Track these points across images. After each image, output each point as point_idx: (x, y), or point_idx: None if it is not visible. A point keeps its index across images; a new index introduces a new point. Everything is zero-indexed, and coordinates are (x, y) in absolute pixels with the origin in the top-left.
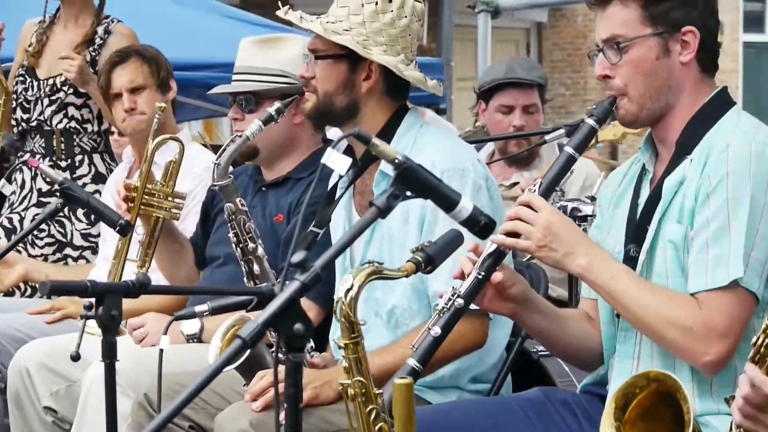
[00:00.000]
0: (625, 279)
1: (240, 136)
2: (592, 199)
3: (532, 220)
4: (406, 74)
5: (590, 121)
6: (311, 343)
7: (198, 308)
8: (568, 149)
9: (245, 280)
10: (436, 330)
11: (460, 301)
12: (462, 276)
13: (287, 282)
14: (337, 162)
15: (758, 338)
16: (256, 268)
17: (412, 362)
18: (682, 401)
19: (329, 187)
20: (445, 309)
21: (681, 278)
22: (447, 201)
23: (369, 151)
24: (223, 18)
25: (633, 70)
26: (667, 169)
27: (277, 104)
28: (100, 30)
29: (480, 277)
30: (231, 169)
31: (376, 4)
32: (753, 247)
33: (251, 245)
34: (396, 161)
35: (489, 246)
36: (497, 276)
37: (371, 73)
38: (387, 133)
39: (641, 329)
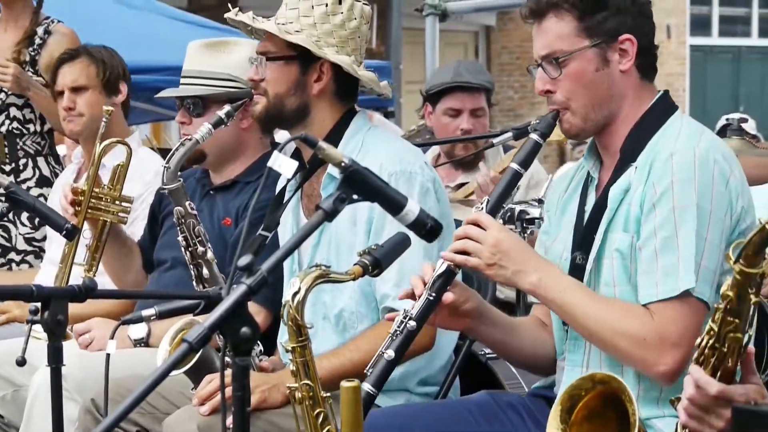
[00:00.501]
0: (577, 293)
1: (189, 140)
2: (540, 201)
3: (480, 239)
4: (361, 74)
5: (534, 137)
6: (260, 347)
7: (145, 312)
8: (514, 166)
9: (194, 283)
10: (390, 353)
11: (413, 323)
12: (412, 296)
13: (234, 286)
14: (283, 165)
15: (702, 340)
16: (205, 271)
17: (367, 387)
18: (627, 403)
19: (277, 190)
20: (398, 332)
21: (628, 286)
22: (393, 204)
23: (316, 154)
24: (170, 21)
25: (574, 84)
26: (612, 176)
27: (226, 108)
28: (40, 30)
29: (431, 298)
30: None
31: (326, 6)
32: (702, 256)
33: (200, 249)
34: (342, 164)
35: (439, 266)
36: (448, 297)
37: (322, 74)
38: (335, 135)
39: (595, 342)
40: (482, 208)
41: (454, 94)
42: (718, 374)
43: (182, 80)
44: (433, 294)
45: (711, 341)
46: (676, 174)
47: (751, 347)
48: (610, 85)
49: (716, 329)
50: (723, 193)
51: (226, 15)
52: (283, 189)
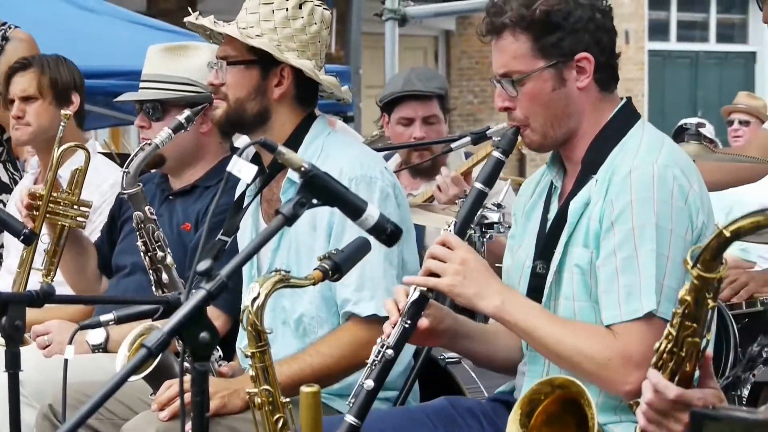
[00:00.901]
0: (540, 317)
1: (149, 144)
2: (498, 206)
3: (446, 258)
4: (322, 78)
5: (497, 154)
6: (219, 353)
7: (103, 318)
8: (478, 185)
9: (153, 288)
10: (369, 383)
11: (390, 352)
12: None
13: (193, 290)
14: (242, 170)
15: (660, 344)
16: (164, 276)
17: (350, 419)
18: (586, 407)
19: (237, 195)
20: (376, 361)
21: (588, 302)
22: (353, 209)
23: (276, 159)
24: (128, 25)
25: (531, 103)
26: (574, 188)
27: (186, 112)
28: None
29: (407, 325)
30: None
31: (287, 10)
32: (665, 276)
33: (160, 254)
34: (302, 169)
35: (412, 293)
36: (423, 323)
37: (283, 79)
38: (295, 140)
39: (559, 363)
40: (450, 230)
41: (406, 103)
42: (676, 378)
43: (142, 84)
44: (408, 321)
45: (669, 345)
46: (635, 192)
47: (709, 352)
48: (568, 102)
49: (674, 333)
50: (682, 209)
51: (185, 19)
52: (243, 194)
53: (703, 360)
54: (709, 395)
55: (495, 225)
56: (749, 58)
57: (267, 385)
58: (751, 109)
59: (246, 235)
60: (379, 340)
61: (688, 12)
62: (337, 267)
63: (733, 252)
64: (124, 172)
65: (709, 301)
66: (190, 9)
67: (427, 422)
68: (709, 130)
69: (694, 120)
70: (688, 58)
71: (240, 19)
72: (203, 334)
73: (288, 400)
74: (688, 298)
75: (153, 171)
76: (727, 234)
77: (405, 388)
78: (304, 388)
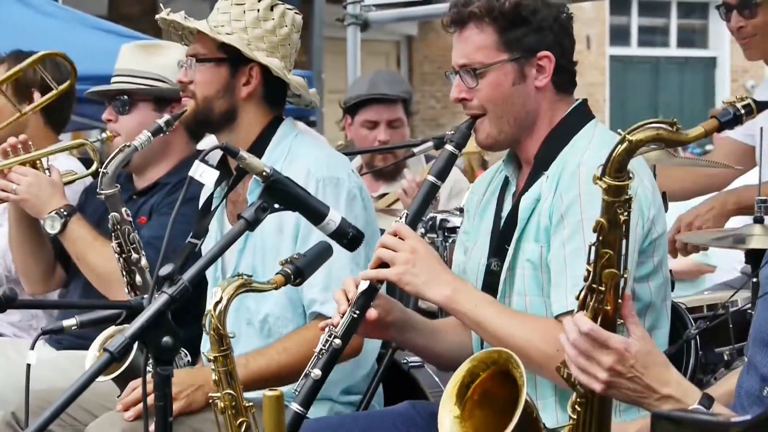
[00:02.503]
0: (489, 307)
1: (128, 146)
2: (461, 210)
3: (396, 247)
4: (290, 78)
5: (450, 148)
6: (188, 357)
7: (66, 323)
8: (430, 178)
9: (126, 290)
10: (317, 372)
11: (338, 341)
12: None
13: (156, 295)
14: (204, 175)
15: (582, 288)
16: (138, 279)
17: (295, 407)
18: (513, 368)
19: (203, 197)
20: (323, 350)
21: (539, 297)
22: (315, 213)
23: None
24: (91, 30)
25: (490, 94)
26: (526, 185)
27: (166, 116)
28: None
29: (355, 315)
30: (94, 181)
31: (258, 11)
32: None
33: (135, 256)
34: (264, 173)
35: (362, 284)
36: (372, 314)
37: (251, 78)
38: (262, 141)
39: None
40: (402, 221)
41: (371, 106)
42: (599, 320)
43: (113, 79)
44: (357, 311)
45: (588, 282)
46: (583, 185)
47: (628, 293)
48: (525, 100)
49: (591, 269)
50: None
51: (157, 16)
52: (211, 195)
53: (623, 300)
54: (632, 344)
55: (457, 229)
56: (710, 63)
57: (230, 389)
58: None
59: (211, 235)
60: (326, 329)
61: (649, 17)
62: (299, 272)
63: (694, 256)
64: (102, 172)
65: (621, 216)
66: (162, 6)
67: (391, 427)
68: None
69: None
70: (649, 63)
71: (211, 18)
72: (166, 339)
73: (251, 404)
74: (602, 219)
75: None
76: (633, 140)
77: (368, 392)
78: (267, 392)
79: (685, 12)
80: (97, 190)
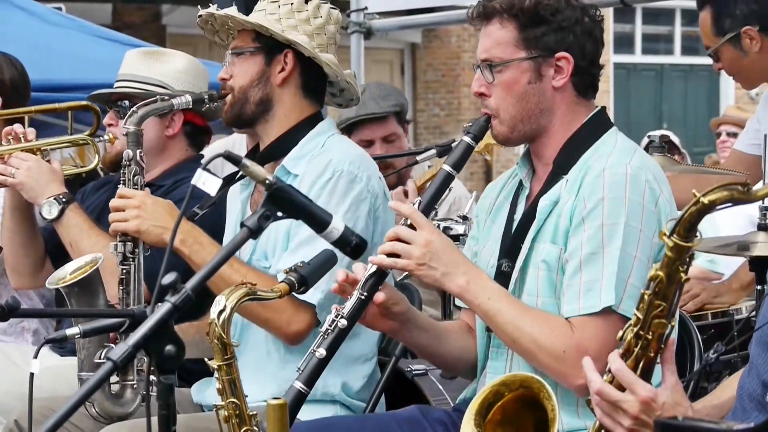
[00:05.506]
0: (502, 300)
1: (165, 99)
2: (464, 218)
3: (411, 239)
4: (322, 57)
5: (467, 139)
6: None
7: (69, 332)
8: (446, 167)
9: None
10: (321, 352)
11: (344, 321)
12: (340, 291)
13: (158, 304)
14: (207, 183)
15: (625, 332)
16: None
17: (299, 385)
18: (545, 400)
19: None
20: (329, 330)
21: (551, 298)
22: (318, 222)
23: (269, 148)
24: (95, 39)
25: (505, 92)
26: (543, 187)
27: (211, 90)
28: None
29: (363, 297)
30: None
31: (292, 4)
32: (630, 274)
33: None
34: (266, 182)
35: (371, 266)
36: (379, 296)
37: (285, 64)
38: (296, 132)
39: (515, 349)
40: (415, 207)
41: (363, 126)
42: (640, 365)
43: (116, 84)
44: (365, 293)
45: (636, 329)
46: (607, 191)
47: (673, 338)
48: (541, 99)
49: (641, 316)
50: (653, 212)
51: (203, 11)
52: (237, 171)
53: (666, 346)
54: (661, 394)
55: (461, 237)
56: (714, 71)
57: (234, 397)
58: (738, 120)
59: (231, 221)
60: (333, 309)
61: (653, 25)
62: (303, 280)
63: (701, 263)
64: (132, 110)
65: (682, 274)
66: (209, 3)
67: (397, 430)
68: (676, 140)
69: (658, 132)
70: (653, 70)
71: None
72: (169, 347)
73: (255, 412)
74: (661, 273)
75: (112, 174)
76: (705, 201)
77: (371, 400)
78: (271, 401)
79: (689, 20)
80: (123, 125)
